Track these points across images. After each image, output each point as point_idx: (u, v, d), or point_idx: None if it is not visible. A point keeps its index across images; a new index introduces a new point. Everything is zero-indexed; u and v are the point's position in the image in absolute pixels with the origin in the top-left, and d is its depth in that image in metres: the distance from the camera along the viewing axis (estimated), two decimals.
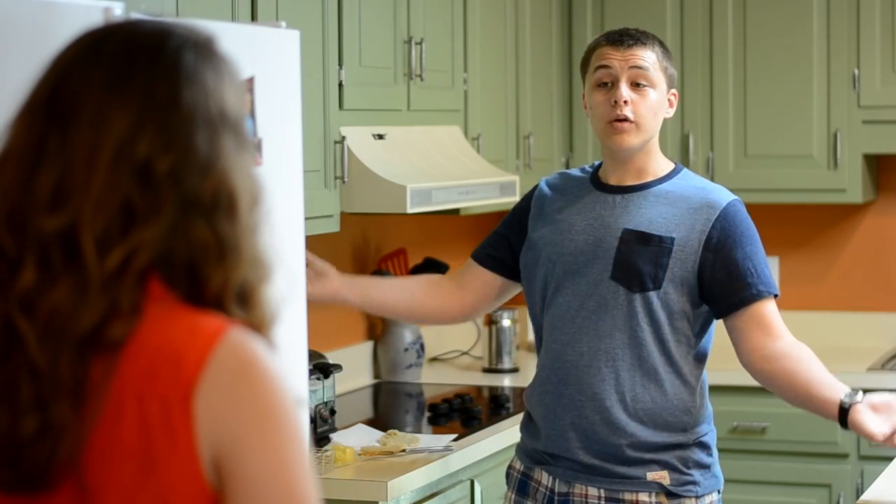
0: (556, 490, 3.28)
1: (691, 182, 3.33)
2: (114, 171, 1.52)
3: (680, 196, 3.28)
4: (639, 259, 3.22)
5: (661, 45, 3.33)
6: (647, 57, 3.27)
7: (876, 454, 4.90)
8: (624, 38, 3.29)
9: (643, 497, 3.21)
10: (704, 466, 3.27)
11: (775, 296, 3.28)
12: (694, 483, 3.25)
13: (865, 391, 5.00)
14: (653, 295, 3.21)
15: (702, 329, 3.29)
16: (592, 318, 3.23)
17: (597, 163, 3.44)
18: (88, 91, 1.55)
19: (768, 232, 5.64)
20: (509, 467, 3.44)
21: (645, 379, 3.22)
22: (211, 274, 1.55)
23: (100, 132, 1.53)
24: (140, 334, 1.53)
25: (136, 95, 1.54)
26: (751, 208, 5.56)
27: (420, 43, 4.35)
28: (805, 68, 5.25)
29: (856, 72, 5.20)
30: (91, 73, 1.56)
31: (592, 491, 3.24)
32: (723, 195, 3.30)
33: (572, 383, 3.24)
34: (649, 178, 3.31)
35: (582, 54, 3.41)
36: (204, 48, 1.60)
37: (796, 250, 5.65)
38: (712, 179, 5.32)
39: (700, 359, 3.29)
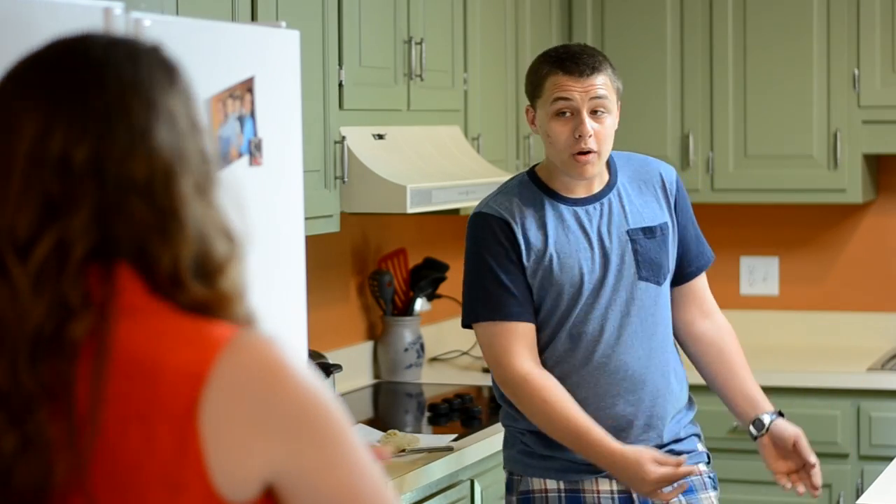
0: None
1: (632, 162, 3.42)
2: (29, 174, 1.51)
3: (640, 180, 3.40)
4: (654, 253, 3.35)
5: (608, 60, 3.35)
6: (604, 83, 3.29)
7: (876, 454, 4.91)
8: (581, 67, 3.27)
9: (702, 467, 3.42)
10: None
11: (713, 260, 3.50)
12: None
13: (865, 392, 5.02)
14: (666, 283, 3.38)
15: None
16: (636, 322, 3.33)
17: (524, 176, 3.40)
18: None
19: (768, 232, 5.67)
20: (528, 492, 3.39)
21: (673, 360, 3.41)
22: (160, 253, 1.52)
23: (11, 140, 1.52)
24: (135, 346, 1.50)
25: (42, 95, 1.53)
26: (751, 208, 5.62)
27: (420, 43, 4.35)
28: (805, 68, 5.25)
29: (856, 72, 5.20)
30: (2, 89, 1.56)
31: None
32: (668, 168, 3.45)
33: (640, 387, 3.33)
34: (607, 176, 3.39)
35: (531, 62, 3.40)
36: (118, 40, 1.58)
37: (796, 250, 5.65)
38: (712, 179, 5.34)
39: None
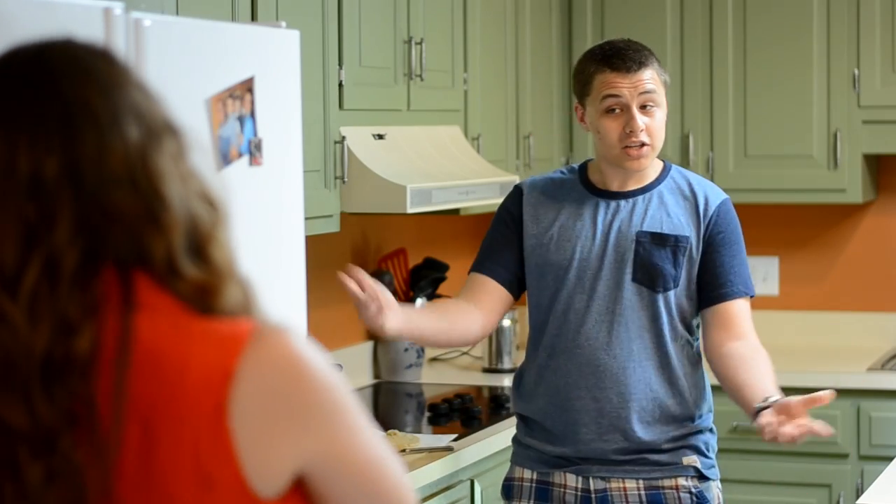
0: (592, 488, 3.35)
1: (685, 178, 3.44)
2: (2, 201, 1.48)
3: (679, 194, 3.40)
4: (658, 260, 3.33)
5: (653, 54, 3.38)
6: (651, 77, 3.32)
7: (876, 454, 4.90)
8: (628, 63, 3.31)
9: (682, 481, 3.35)
10: (716, 451, 3.45)
11: (751, 296, 3.41)
12: (715, 466, 3.43)
13: (865, 392, 5.02)
14: (671, 294, 3.34)
15: (697, 323, 3.43)
16: (620, 321, 3.32)
17: (576, 165, 3.50)
18: None
19: (768, 232, 5.66)
20: (510, 479, 3.46)
21: (668, 372, 3.35)
22: (153, 242, 1.50)
23: None
24: (155, 349, 1.49)
25: None
26: (751, 208, 5.61)
27: (420, 43, 4.35)
28: (805, 68, 5.25)
29: (856, 72, 5.20)
30: None
31: (630, 484, 3.34)
32: (717, 192, 3.44)
33: (608, 386, 3.33)
34: (648, 181, 3.40)
35: (577, 59, 3.44)
36: (46, 44, 1.55)
37: (796, 250, 5.65)
38: (712, 179, 5.33)
39: (697, 348, 3.42)
